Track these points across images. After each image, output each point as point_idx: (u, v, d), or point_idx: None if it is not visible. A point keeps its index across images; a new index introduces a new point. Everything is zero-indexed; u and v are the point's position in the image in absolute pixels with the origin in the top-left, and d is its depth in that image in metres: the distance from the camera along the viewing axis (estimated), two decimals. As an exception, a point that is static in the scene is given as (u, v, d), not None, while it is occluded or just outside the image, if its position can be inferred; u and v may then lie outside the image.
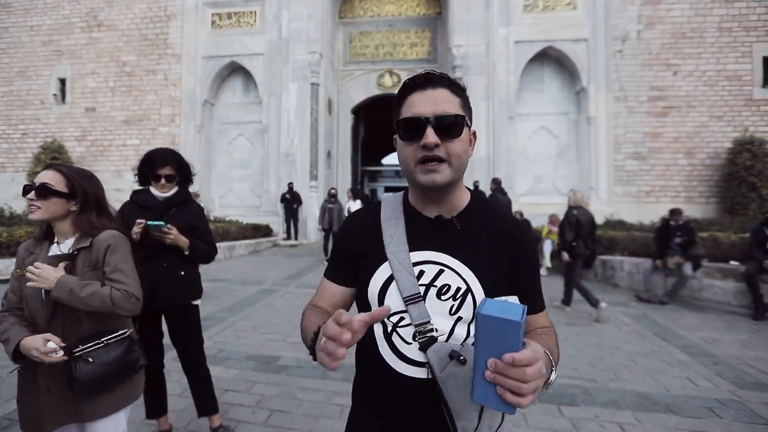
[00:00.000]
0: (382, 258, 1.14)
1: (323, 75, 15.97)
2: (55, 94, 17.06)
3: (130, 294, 1.89)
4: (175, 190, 2.92)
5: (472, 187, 10.67)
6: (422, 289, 1.09)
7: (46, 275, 1.74)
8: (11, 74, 17.38)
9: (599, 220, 12.50)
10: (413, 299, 1.08)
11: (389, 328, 1.12)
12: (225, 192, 16.89)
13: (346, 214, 7.30)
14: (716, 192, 13.97)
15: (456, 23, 15.10)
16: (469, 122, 1.12)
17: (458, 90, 1.12)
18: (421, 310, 1.08)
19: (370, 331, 1.13)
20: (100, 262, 1.90)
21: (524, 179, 15.09)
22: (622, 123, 14.45)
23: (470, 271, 1.11)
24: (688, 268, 7.54)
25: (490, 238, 1.16)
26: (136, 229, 2.64)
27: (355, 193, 12.66)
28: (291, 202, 14.70)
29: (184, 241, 2.79)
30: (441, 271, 1.11)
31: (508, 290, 1.13)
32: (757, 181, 12.62)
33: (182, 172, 2.94)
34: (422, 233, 1.16)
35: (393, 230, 1.17)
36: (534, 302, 1.20)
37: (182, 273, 2.86)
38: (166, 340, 2.98)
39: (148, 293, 2.65)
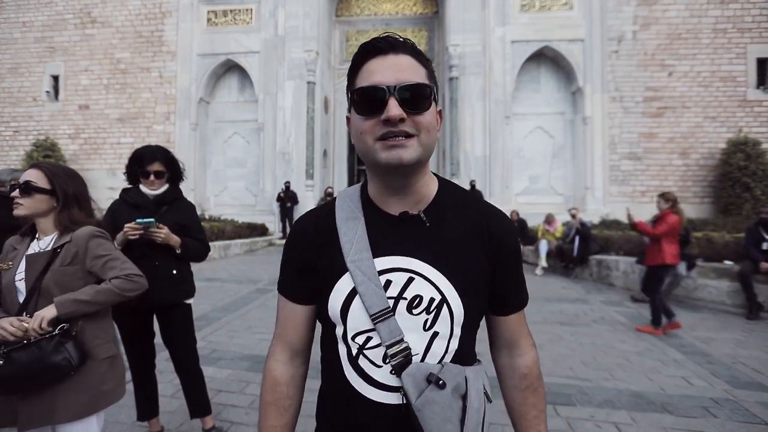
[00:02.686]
0: (342, 269, 0.96)
1: (319, 73, 15.93)
2: (47, 91, 16.93)
3: (130, 276, 1.98)
4: (165, 187, 2.89)
5: (468, 188, 10.49)
6: (391, 302, 0.94)
7: (39, 315, 1.79)
8: (3, 71, 17.24)
9: (595, 219, 12.55)
10: (382, 315, 0.92)
11: (354, 351, 0.96)
12: (220, 191, 16.83)
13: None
14: (710, 192, 14.02)
15: (452, 23, 15.09)
16: (436, 97, 0.95)
17: (424, 60, 0.96)
18: (392, 328, 0.92)
19: (334, 349, 1.00)
20: (80, 256, 1.94)
21: (520, 179, 15.11)
22: (617, 123, 14.48)
23: (444, 278, 0.95)
24: (682, 267, 7.56)
25: (466, 235, 1.01)
26: (131, 232, 2.60)
27: (332, 192, 12.63)
28: (287, 201, 14.67)
29: (175, 239, 2.75)
30: (411, 280, 0.95)
31: (487, 293, 1.03)
32: (751, 181, 12.67)
33: (172, 169, 2.90)
34: (386, 235, 0.99)
35: (352, 234, 0.99)
36: (517, 299, 1.10)
37: (174, 272, 2.82)
38: (158, 339, 2.95)
39: (140, 294, 2.63)
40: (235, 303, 6.92)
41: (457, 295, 0.95)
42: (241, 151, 16.80)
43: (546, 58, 15.24)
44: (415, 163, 0.92)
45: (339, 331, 0.98)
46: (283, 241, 14.37)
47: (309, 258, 1.02)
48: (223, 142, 16.90)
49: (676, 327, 5.84)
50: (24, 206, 1.90)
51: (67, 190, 1.97)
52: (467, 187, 13.76)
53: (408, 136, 0.89)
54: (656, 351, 5.11)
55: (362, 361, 0.95)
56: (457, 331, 0.97)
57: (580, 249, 9.90)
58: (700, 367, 4.61)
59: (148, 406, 2.95)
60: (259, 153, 16.21)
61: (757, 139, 13.35)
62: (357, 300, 0.94)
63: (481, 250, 1.00)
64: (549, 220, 10.92)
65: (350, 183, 19.33)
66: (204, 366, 3.11)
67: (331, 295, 0.96)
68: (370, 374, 0.94)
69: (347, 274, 0.95)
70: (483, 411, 0.96)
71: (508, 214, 7.05)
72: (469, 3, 15.02)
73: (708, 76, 14.26)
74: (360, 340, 0.95)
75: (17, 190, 1.89)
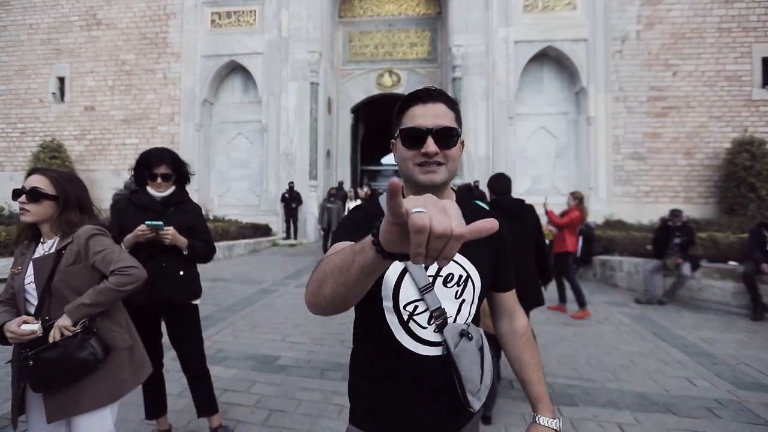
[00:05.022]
0: None
1: (323, 74, 15.94)
2: (54, 93, 16.99)
3: (123, 270, 2.02)
4: (172, 189, 2.91)
5: (471, 186, 10.55)
6: (430, 279, 1.24)
7: (58, 325, 1.89)
8: (10, 73, 17.32)
9: (599, 220, 12.52)
10: (427, 289, 1.22)
11: (405, 317, 1.24)
12: (224, 191, 16.87)
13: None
14: (715, 192, 13.97)
15: (456, 23, 15.08)
16: (461, 134, 1.27)
17: (453, 104, 1.28)
18: (433, 298, 1.23)
19: (382, 318, 1.26)
20: (82, 254, 2.01)
21: (523, 179, 15.06)
22: (621, 123, 14.44)
23: (467, 260, 1.28)
24: (686, 268, 7.56)
25: None
26: (142, 235, 2.64)
27: (335, 193, 12.62)
28: (290, 201, 14.70)
29: (182, 240, 2.78)
30: None
31: (491, 274, 1.37)
32: (756, 181, 12.61)
33: (179, 171, 2.93)
34: None
35: None
36: (512, 279, 1.48)
37: (181, 273, 2.86)
38: (165, 339, 2.98)
39: (147, 293, 2.66)
40: (240, 303, 6.96)
41: (477, 272, 1.29)
42: (244, 152, 16.83)
43: (549, 58, 15.21)
44: (443, 184, 1.25)
45: (388, 303, 1.25)
46: (287, 242, 14.53)
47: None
48: (226, 143, 16.94)
49: (563, 311, 7.04)
50: (31, 213, 1.96)
51: (69, 195, 2.03)
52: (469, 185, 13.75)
53: (439, 164, 1.22)
54: (660, 352, 5.12)
55: (412, 324, 1.25)
56: (476, 299, 1.32)
57: (584, 250, 9.89)
58: (703, 368, 4.62)
59: (155, 404, 2.99)
60: (263, 154, 16.23)
61: (763, 139, 13.28)
62: (407, 278, 1.23)
63: (487, 242, 1.33)
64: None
65: (354, 183, 19.36)
66: (210, 365, 3.14)
67: (386, 274, 1.22)
68: (418, 334, 1.25)
69: None
70: (491, 358, 1.33)
71: (545, 212, 7.33)
72: (472, 3, 15.01)
73: (713, 76, 14.21)
74: (410, 308, 1.24)
75: (23, 196, 1.94)
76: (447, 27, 16.01)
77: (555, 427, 1.34)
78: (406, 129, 1.23)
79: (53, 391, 1.89)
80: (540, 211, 7.39)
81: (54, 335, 1.87)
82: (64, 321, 1.89)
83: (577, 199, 7.24)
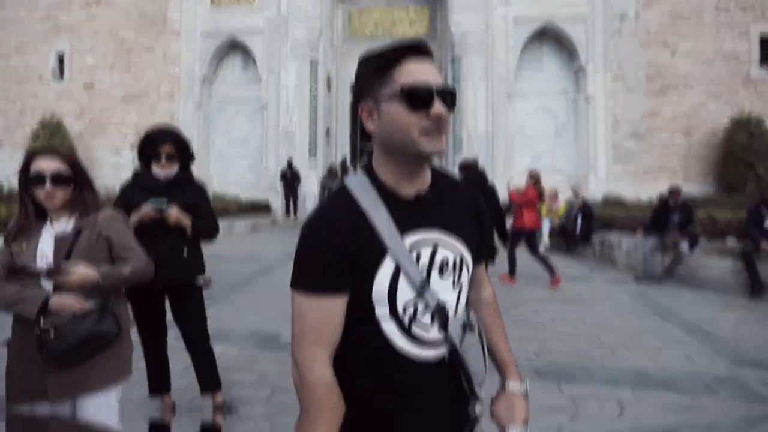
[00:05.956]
0: (382, 252, 1.04)
1: (322, 52, 15.82)
2: (53, 70, 16.87)
3: (149, 260, 2.12)
4: (176, 169, 2.91)
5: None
6: (424, 272, 1.07)
7: (82, 274, 1.85)
8: (9, 50, 17.18)
9: (598, 197, 12.52)
10: (423, 285, 1.05)
11: (406, 322, 1.07)
12: (223, 169, 16.85)
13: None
14: (713, 170, 13.98)
15: (455, 1, 14.91)
16: None
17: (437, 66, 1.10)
18: (431, 293, 1.06)
19: (374, 328, 1.07)
20: (103, 234, 2.00)
21: (522, 157, 15.03)
22: (620, 102, 14.39)
23: (458, 241, 1.13)
24: (685, 246, 7.58)
25: (460, 205, 1.22)
26: (146, 217, 2.67)
27: (344, 170, 12.57)
28: (290, 179, 14.67)
29: (186, 221, 2.79)
30: (435, 247, 1.10)
31: (480, 248, 1.27)
32: (754, 159, 12.60)
33: (182, 151, 2.93)
34: (406, 214, 1.08)
35: (381, 219, 1.06)
36: (484, 253, 1.35)
37: (186, 253, 2.88)
38: (169, 317, 3.00)
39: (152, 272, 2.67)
40: (241, 282, 6.98)
41: (468, 252, 1.16)
42: (244, 130, 16.78)
43: (548, 36, 15.10)
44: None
45: (382, 310, 1.06)
46: (287, 220, 14.49)
47: (350, 246, 1.04)
48: (226, 122, 16.89)
49: (510, 281, 7.57)
50: (60, 197, 1.91)
51: (83, 174, 2.01)
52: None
53: (441, 131, 1.02)
54: (659, 330, 5.16)
55: (415, 327, 1.08)
56: (469, 282, 1.20)
57: (583, 227, 9.91)
58: (702, 346, 4.66)
59: (159, 382, 3.03)
60: (263, 132, 16.19)
61: (761, 118, 13.26)
62: (402, 278, 1.05)
63: (472, 216, 1.24)
64: (553, 194, 10.78)
65: (353, 160, 19.30)
66: (212, 344, 3.17)
67: (377, 278, 1.04)
68: (421, 337, 1.08)
69: (388, 257, 1.04)
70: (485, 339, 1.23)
71: (507, 191, 7.54)
72: (472, -19, 14.84)
73: (711, 55, 14.13)
74: (410, 311, 1.07)
75: (48, 182, 1.88)
76: (446, 6, 15.80)
77: (523, 391, 1.27)
78: (411, 87, 0.98)
79: (66, 365, 1.87)
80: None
81: (72, 281, 1.83)
82: (91, 271, 1.87)
83: (534, 178, 7.67)
